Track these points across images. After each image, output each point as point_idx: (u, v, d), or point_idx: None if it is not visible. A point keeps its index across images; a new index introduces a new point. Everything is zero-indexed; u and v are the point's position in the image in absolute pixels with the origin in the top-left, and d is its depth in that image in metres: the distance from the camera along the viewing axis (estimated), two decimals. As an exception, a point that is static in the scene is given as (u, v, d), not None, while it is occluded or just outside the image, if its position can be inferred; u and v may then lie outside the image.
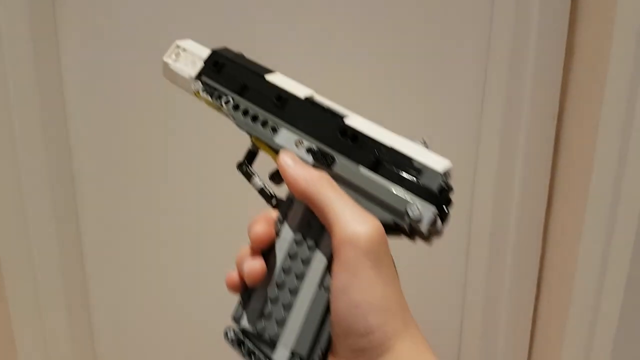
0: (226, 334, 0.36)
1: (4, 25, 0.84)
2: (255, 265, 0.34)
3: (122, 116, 0.93)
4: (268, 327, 0.34)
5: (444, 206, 0.33)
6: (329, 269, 0.33)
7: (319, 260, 0.34)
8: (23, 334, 0.99)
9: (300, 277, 0.34)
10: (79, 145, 0.95)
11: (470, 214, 0.94)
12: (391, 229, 0.34)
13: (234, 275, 0.36)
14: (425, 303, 0.96)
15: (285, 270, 0.34)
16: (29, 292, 0.96)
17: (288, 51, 0.88)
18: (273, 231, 0.35)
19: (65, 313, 0.99)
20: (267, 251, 0.35)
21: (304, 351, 0.33)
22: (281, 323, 0.34)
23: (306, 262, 0.34)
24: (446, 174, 0.33)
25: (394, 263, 0.34)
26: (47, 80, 0.89)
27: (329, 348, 0.33)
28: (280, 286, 0.34)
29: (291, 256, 0.35)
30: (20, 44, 0.85)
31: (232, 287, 0.37)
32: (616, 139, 0.75)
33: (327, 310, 0.33)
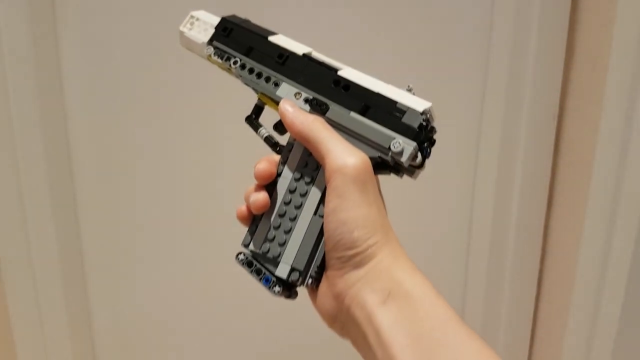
0: (237, 257, 0.42)
1: (4, 25, 0.84)
2: (259, 197, 0.40)
3: (121, 116, 0.93)
4: (272, 249, 0.40)
5: (424, 142, 0.38)
6: (322, 199, 0.38)
7: (314, 193, 0.39)
8: (23, 334, 0.99)
9: (298, 207, 0.40)
10: (79, 145, 0.95)
11: (470, 214, 0.94)
12: (379, 165, 0.39)
13: (243, 209, 0.42)
14: (425, 303, 0.96)
15: (286, 203, 0.40)
16: (29, 293, 0.96)
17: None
18: (274, 169, 0.41)
19: (65, 313, 0.99)
20: (270, 188, 0.41)
21: (301, 266, 0.39)
22: (282, 245, 0.40)
23: (304, 194, 0.40)
24: (426, 113, 0.39)
25: (379, 192, 0.39)
26: (47, 80, 0.89)
27: (323, 265, 0.38)
28: (281, 215, 0.40)
29: (291, 191, 0.40)
30: (20, 44, 0.85)
31: (242, 219, 0.42)
32: (616, 139, 0.75)
33: (322, 233, 0.38)
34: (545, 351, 0.96)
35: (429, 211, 0.95)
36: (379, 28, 0.87)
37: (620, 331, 0.79)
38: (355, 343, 0.37)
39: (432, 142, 0.40)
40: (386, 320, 0.33)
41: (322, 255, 0.38)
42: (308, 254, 0.38)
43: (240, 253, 0.42)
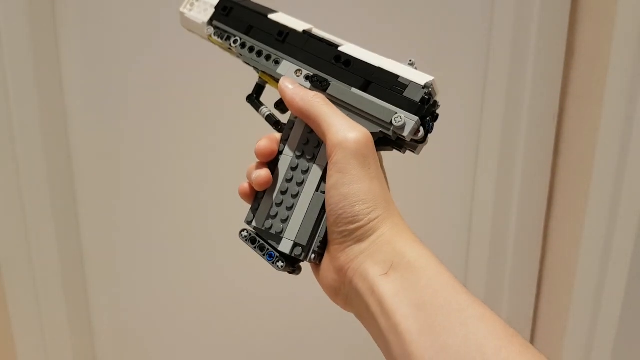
0: (241, 233, 0.41)
1: (4, 25, 0.84)
2: (261, 173, 0.40)
3: (121, 116, 0.93)
4: (274, 225, 0.40)
5: (427, 117, 0.38)
6: (324, 176, 0.38)
7: (316, 170, 0.39)
8: (23, 334, 0.99)
9: (300, 184, 0.40)
10: (79, 145, 0.95)
11: (470, 214, 0.94)
12: (381, 141, 0.39)
13: (245, 185, 0.42)
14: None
15: (288, 180, 0.40)
16: (29, 293, 0.96)
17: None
18: (275, 147, 0.41)
19: (65, 313, 0.99)
20: (272, 166, 0.41)
21: (304, 241, 0.39)
22: (285, 221, 0.40)
23: (306, 171, 0.40)
24: (428, 87, 0.38)
25: (381, 166, 0.39)
26: (47, 80, 0.89)
27: (326, 240, 0.38)
28: (283, 192, 0.40)
29: (293, 168, 0.40)
30: (20, 44, 0.85)
31: (244, 196, 0.42)
32: (616, 139, 0.75)
33: (324, 209, 0.38)
34: (545, 351, 0.96)
35: (429, 211, 0.95)
36: (378, 28, 0.87)
37: (620, 331, 0.79)
38: (358, 315, 0.37)
39: (435, 117, 0.39)
40: (388, 290, 0.33)
41: (324, 230, 0.38)
42: (310, 229, 0.39)
43: (243, 230, 0.41)
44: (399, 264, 0.34)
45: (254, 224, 0.41)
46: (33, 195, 0.91)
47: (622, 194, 0.76)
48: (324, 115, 0.38)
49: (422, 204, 0.95)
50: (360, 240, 0.36)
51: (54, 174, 0.92)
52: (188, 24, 0.49)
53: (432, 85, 0.38)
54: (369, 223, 0.35)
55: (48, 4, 0.87)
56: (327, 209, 0.37)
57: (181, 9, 0.49)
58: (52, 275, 0.96)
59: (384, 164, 0.41)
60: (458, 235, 0.96)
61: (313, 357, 1.05)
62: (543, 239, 0.92)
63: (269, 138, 0.41)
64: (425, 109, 0.38)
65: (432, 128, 0.38)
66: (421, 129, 0.37)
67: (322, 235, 0.38)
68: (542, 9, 0.80)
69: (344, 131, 0.37)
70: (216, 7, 0.46)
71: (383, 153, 0.41)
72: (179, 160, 0.95)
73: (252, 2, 0.46)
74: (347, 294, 0.37)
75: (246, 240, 0.41)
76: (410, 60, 0.40)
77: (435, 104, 0.39)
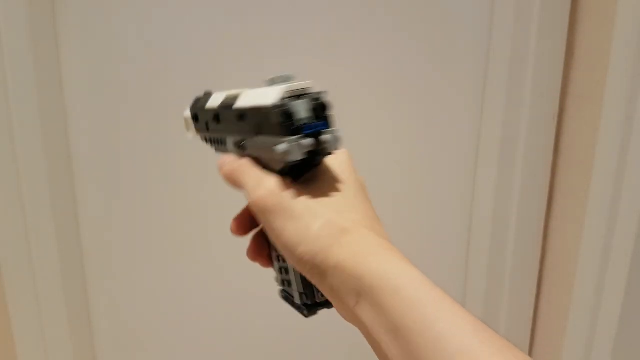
0: (280, 294, 0.44)
1: (4, 26, 0.84)
2: (249, 252, 0.43)
3: (122, 116, 0.93)
4: (286, 282, 0.42)
5: (304, 125, 0.34)
6: None
7: None
8: (23, 335, 0.99)
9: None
10: (79, 145, 0.95)
11: (470, 214, 0.94)
12: (295, 168, 0.37)
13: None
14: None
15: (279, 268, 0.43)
16: (29, 293, 0.96)
17: (287, 49, 0.88)
18: (246, 222, 0.42)
19: (65, 313, 0.99)
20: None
21: (302, 289, 0.40)
22: (287, 277, 0.42)
23: None
24: (279, 106, 0.34)
25: (307, 196, 0.36)
26: (47, 80, 0.89)
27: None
28: (277, 258, 0.42)
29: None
30: (20, 44, 0.85)
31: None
32: (616, 139, 0.75)
33: None
34: (545, 351, 0.96)
35: (429, 211, 0.95)
36: (379, 28, 0.87)
37: (620, 331, 0.79)
38: (364, 336, 0.36)
39: (320, 108, 0.35)
40: (366, 320, 0.32)
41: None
42: (300, 278, 0.40)
43: (280, 291, 0.44)
44: (362, 291, 0.32)
45: (279, 284, 0.44)
46: (33, 195, 0.91)
47: (622, 194, 0.76)
48: (242, 180, 0.38)
49: (422, 205, 0.95)
50: (322, 276, 0.34)
51: (54, 174, 0.92)
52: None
53: (288, 92, 0.35)
54: (315, 261, 0.34)
55: (48, 4, 0.87)
56: None
57: (185, 133, 0.52)
58: (52, 275, 0.96)
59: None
60: (458, 236, 0.96)
61: (313, 358, 1.05)
62: (543, 239, 0.92)
63: (236, 220, 0.43)
64: (293, 122, 0.34)
65: (322, 124, 0.35)
66: (307, 140, 0.34)
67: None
68: (542, 9, 0.80)
69: (252, 192, 0.37)
70: (192, 118, 0.50)
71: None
72: (179, 161, 0.95)
73: (208, 96, 0.48)
74: (351, 320, 0.35)
75: (284, 299, 0.44)
76: (270, 78, 0.37)
77: (311, 100, 0.35)
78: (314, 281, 0.36)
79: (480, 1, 0.84)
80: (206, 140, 0.49)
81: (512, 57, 0.83)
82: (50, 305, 0.98)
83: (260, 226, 0.43)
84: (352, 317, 0.34)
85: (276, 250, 0.41)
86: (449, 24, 0.86)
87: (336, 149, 0.36)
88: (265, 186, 0.36)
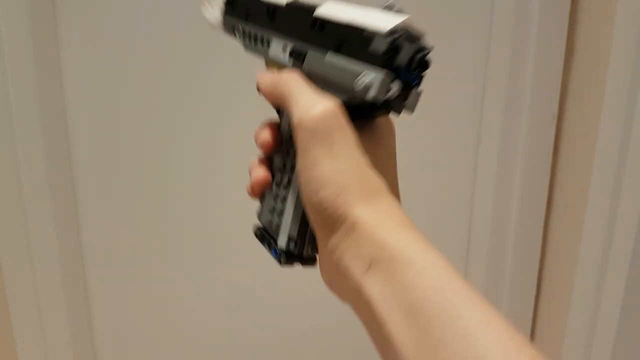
0: (255, 232, 0.40)
1: (4, 25, 0.84)
2: (258, 173, 0.38)
3: (122, 116, 0.93)
4: (274, 220, 0.38)
5: (401, 68, 0.31)
6: None
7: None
8: (23, 335, 0.99)
9: (290, 172, 0.37)
10: (79, 145, 0.95)
11: (470, 214, 0.94)
12: (361, 109, 0.34)
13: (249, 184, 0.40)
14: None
15: (280, 170, 0.38)
16: (29, 293, 0.96)
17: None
18: (277, 135, 0.38)
19: (65, 313, 0.99)
20: (274, 155, 0.39)
21: (294, 234, 0.37)
22: (280, 215, 0.38)
23: (293, 158, 0.36)
24: (394, 33, 0.31)
25: (355, 140, 0.33)
26: (47, 80, 0.89)
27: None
28: (278, 184, 0.38)
29: (283, 157, 0.38)
30: (20, 44, 0.85)
31: (251, 195, 0.40)
32: (616, 139, 0.75)
33: None
34: (545, 351, 0.96)
35: (429, 211, 0.95)
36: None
37: (620, 331, 0.79)
38: (355, 312, 0.32)
39: (423, 64, 0.32)
40: (375, 292, 0.28)
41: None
42: (298, 222, 0.36)
43: (257, 228, 0.40)
44: (380, 259, 0.29)
45: (259, 220, 0.40)
46: (33, 195, 0.91)
47: (622, 194, 0.75)
48: (289, 95, 0.34)
49: (422, 204, 0.95)
50: (333, 229, 0.31)
51: (54, 174, 0.92)
52: (209, 24, 0.48)
53: (404, 28, 0.32)
54: (337, 210, 0.31)
55: (48, 4, 0.87)
56: (302, 197, 0.34)
57: (202, 10, 0.48)
58: (52, 275, 0.96)
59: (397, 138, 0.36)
60: (458, 235, 0.96)
61: (314, 357, 1.05)
62: (543, 239, 0.92)
63: (270, 126, 0.38)
64: (396, 59, 0.31)
65: (416, 78, 0.32)
66: (395, 85, 0.31)
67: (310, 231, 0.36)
68: (542, 9, 0.80)
69: (303, 109, 0.32)
70: (224, 3, 0.46)
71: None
72: (180, 161, 0.95)
73: None
74: (340, 290, 0.33)
75: (257, 237, 0.40)
76: (388, 3, 0.34)
77: (419, 50, 0.32)
78: (318, 231, 0.33)
79: (480, 1, 0.84)
80: (233, 31, 0.43)
81: (512, 57, 0.83)
82: (50, 305, 0.98)
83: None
84: (349, 286, 0.31)
85: (283, 174, 0.38)
86: (449, 24, 0.86)
87: (412, 111, 0.33)
88: (324, 107, 0.32)
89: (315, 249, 0.37)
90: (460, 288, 0.28)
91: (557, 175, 0.89)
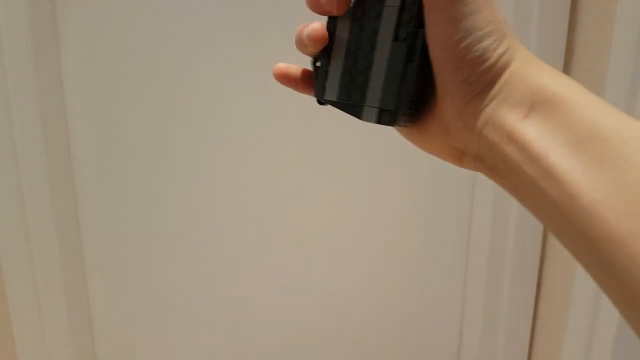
0: (319, 102, 0.35)
1: (4, 25, 0.84)
2: (315, 25, 0.33)
3: (122, 116, 0.93)
4: (352, 94, 0.33)
5: None
6: (401, 18, 0.31)
7: (389, 13, 0.32)
8: (23, 334, 0.99)
9: (373, 34, 0.32)
10: (79, 145, 0.95)
11: (470, 214, 0.94)
12: None
13: (282, 65, 0.36)
14: (425, 303, 0.96)
15: (356, 33, 0.33)
16: (29, 293, 0.96)
17: (288, 48, 0.88)
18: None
19: (65, 313, 0.99)
20: (331, 29, 0.34)
21: (391, 105, 0.32)
22: (364, 85, 0.33)
23: (376, 17, 0.32)
24: None
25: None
26: (47, 80, 0.89)
27: (420, 96, 0.32)
28: (354, 51, 0.33)
29: (357, 18, 0.33)
30: (20, 44, 0.85)
31: (282, 77, 0.37)
32: (616, 139, 0.75)
33: (408, 60, 0.31)
34: (545, 351, 0.96)
35: (428, 211, 0.95)
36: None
37: (620, 331, 0.79)
38: (491, 171, 0.30)
39: None
40: (533, 133, 0.27)
41: (412, 86, 0.32)
42: (396, 89, 0.32)
43: (320, 102, 0.36)
44: (539, 101, 0.27)
45: (327, 96, 0.34)
46: (33, 195, 0.92)
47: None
48: None
49: (421, 204, 0.95)
50: (490, 83, 0.29)
51: (54, 174, 0.92)
52: None
53: None
54: (499, 59, 0.29)
55: (48, 4, 0.87)
56: (439, 55, 0.30)
57: None
58: (52, 275, 0.96)
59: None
60: (458, 235, 0.96)
61: (315, 357, 1.05)
62: (543, 238, 0.92)
63: (321, 22, 0.34)
64: None
65: None
66: None
67: (411, 93, 0.32)
68: (541, 9, 0.80)
69: None
70: None
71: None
72: (179, 161, 0.95)
73: None
74: (476, 153, 0.30)
75: (336, 105, 0.35)
76: None
77: None
78: (463, 93, 0.29)
79: (480, 1, 0.84)
80: None
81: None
82: (50, 305, 0.98)
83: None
84: (487, 139, 0.29)
85: (364, 21, 0.33)
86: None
87: None
88: None
89: (409, 120, 0.33)
90: (625, 117, 0.26)
91: (557, 175, 0.89)
